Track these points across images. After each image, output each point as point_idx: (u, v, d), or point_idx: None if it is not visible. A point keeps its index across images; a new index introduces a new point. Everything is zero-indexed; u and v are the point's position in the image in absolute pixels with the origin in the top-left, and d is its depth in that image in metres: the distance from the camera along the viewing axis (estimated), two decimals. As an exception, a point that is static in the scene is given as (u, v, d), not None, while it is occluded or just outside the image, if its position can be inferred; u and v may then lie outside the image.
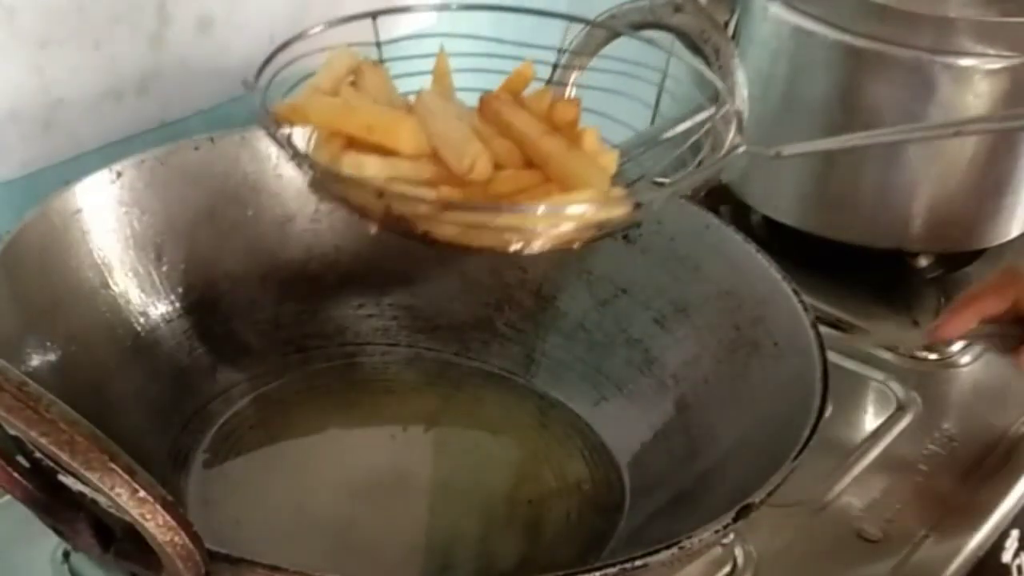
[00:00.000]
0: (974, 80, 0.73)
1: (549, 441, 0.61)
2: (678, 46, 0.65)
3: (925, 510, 0.64)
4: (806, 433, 0.50)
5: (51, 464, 0.41)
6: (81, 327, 0.56)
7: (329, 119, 0.50)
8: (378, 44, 0.56)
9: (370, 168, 0.48)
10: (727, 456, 0.56)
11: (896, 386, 0.73)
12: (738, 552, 0.59)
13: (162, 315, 0.61)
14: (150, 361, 0.59)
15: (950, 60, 0.73)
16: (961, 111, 0.74)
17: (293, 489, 0.57)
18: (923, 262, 0.81)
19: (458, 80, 0.54)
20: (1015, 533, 0.65)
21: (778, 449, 0.49)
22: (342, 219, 0.66)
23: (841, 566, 0.60)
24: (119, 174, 0.59)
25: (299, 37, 0.53)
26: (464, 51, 0.55)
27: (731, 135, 0.54)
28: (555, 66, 0.63)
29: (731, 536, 0.58)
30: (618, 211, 0.49)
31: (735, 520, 0.46)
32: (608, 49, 0.65)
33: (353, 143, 0.49)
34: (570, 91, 0.65)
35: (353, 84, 0.52)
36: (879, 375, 0.73)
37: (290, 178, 0.65)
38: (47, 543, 0.54)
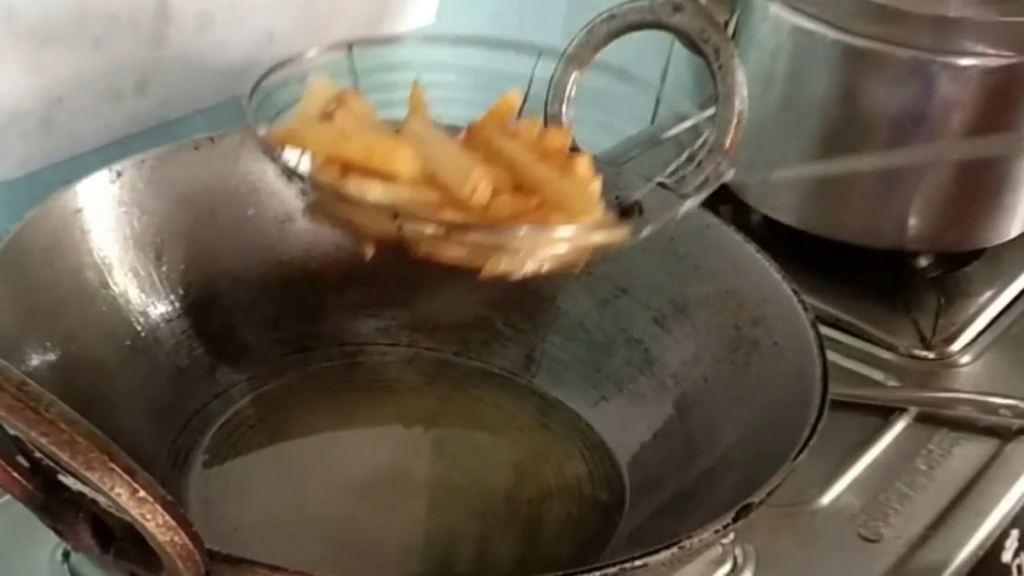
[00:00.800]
0: (974, 80, 0.73)
1: (549, 441, 0.61)
2: (678, 46, 0.65)
3: (925, 510, 0.64)
4: (806, 433, 0.50)
5: (51, 464, 0.41)
6: (81, 327, 0.56)
7: (327, 144, 0.51)
8: (354, 73, 0.57)
9: (373, 192, 0.49)
10: (727, 456, 0.56)
11: (895, 387, 0.73)
12: (738, 552, 0.59)
13: (162, 315, 0.61)
14: (150, 361, 0.59)
15: (950, 60, 0.73)
16: (961, 111, 0.74)
17: (293, 489, 0.57)
18: (923, 262, 0.81)
19: (434, 110, 0.56)
20: (1015, 533, 0.65)
21: (778, 449, 0.49)
22: (342, 219, 0.66)
23: (841, 566, 0.60)
24: (119, 174, 0.59)
25: (287, 63, 0.54)
26: (440, 81, 0.56)
27: (719, 162, 0.54)
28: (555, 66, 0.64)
29: (731, 536, 0.58)
30: (622, 236, 0.51)
31: (735, 520, 0.46)
32: (608, 49, 0.65)
33: (349, 168, 0.50)
34: (570, 90, 0.65)
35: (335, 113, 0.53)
36: (879, 375, 0.73)
37: (290, 178, 0.65)
38: (47, 543, 0.54)
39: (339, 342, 0.65)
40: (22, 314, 0.53)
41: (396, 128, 0.53)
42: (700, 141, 0.59)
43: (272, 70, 0.53)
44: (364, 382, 0.64)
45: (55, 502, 0.42)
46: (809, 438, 0.50)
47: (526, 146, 0.53)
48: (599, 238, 0.51)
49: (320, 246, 0.66)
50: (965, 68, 0.73)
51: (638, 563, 0.43)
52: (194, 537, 0.40)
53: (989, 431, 0.69)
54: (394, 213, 0.48)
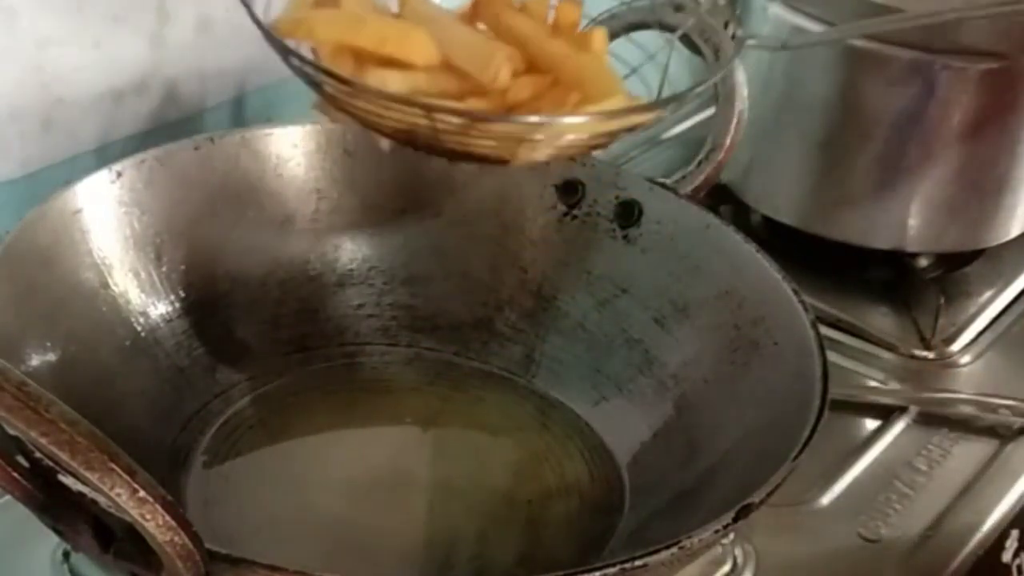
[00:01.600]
0: (974, 80, 0.73)
1: (549, 441, 0.61)
2: (678, 46, 0.65)
3: (925, 510, 0.64)
4: (806, 433, 0.50)
5: (51, 464, 0.41)
6: (81, 327, 0.56)
7: (338, 32, 0.47)
8: None
9: (393, 83, 0.46)
10: (727, 456, 0.56)
11: (895, 387, 0.73)
12: (738, 552, 0.59)
13: (162, 315, 0.61)
14: (150, 361, 0.59)
15: (950, 60, 0.73)
16: (961, 111, 0.74)
17: (293, 489, 0.57)
18: (923, 262, 0.81)
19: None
20: (1015, 533, 0.65)
21: (778, 449, 0.49)
22: (342, 219, 0.66)
23: (841, 566, 0.60)
24: (119, 174, 0.59)
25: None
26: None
27: (732, 30, 0.53)
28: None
29: (731, 536, 0.58)
30: (650, 116, 0.48)
31: (735, 520, 0.46)
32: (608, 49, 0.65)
33: (361, 57, 0.47)
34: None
35: None
36: (879, 375, 0.73)
37: (290, 178, 0.65)
38: (47, 543, 0.54)
39: (339, 342, 0.65)
40: (22, 314, 0.53)
41: (393, 11, 0.50)
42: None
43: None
44: (364, 382, 0.64)
45: (55, 502, 0.42)
46: (809, 438, 0.50)
47: (537, 22, 0.50)
48: (635, 119, 0.48)
49: (320, 246, 0.66)
50: (965, 68, 0.73)
51: (638, 563, 0.43)
52: (194, 537, 0.40)
53: (989, 431, 0.69)
54: (427, 107, 0.44)
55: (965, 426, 0.70)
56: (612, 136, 0.49)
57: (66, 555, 0.54)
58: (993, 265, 0.83)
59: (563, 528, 0.57)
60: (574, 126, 0.47)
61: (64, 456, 0.37)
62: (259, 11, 0.48)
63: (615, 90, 0.48)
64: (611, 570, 0.43)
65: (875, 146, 0.76)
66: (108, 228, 0.59)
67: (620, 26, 0.65)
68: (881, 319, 0.78)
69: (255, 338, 0.64)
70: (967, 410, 0.70)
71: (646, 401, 0.61)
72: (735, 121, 0.65)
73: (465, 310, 0.66)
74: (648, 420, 0.60)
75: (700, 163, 0.65)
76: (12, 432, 0.38)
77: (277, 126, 0.65)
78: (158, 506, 0.38)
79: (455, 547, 0.56)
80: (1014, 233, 0.81)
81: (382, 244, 0.66)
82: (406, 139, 0.47)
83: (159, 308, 0.61)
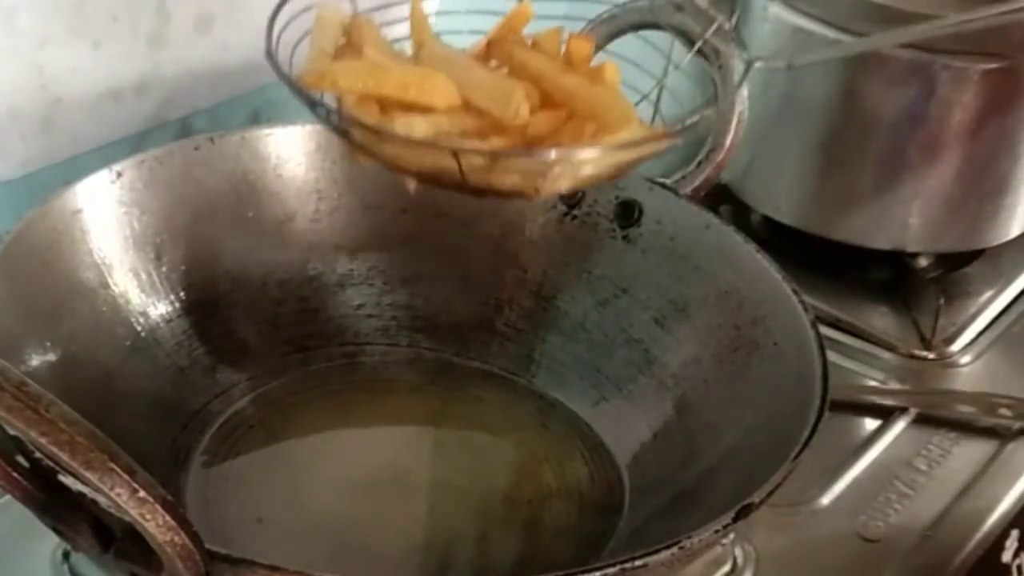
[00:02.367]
0: (974, 80, 0.73)
1: (549, 441, 0.61)
2: (678, 46, 0.65)
3: (925, 510, 0.64)
4: (806, 433, 0.50)
5: (51, 464, 0.41)
6: (81, 327, 0.56)
7: (362, 82, 0.49)
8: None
9: (419, 128, 0.47)
10: (727, 456, 0.56)
11: (895, 387, 0.73)
12: (738, 552, 0.59)
13: (162, 315, 0.61)
14: (150, 361, 0.59)
15: (950, 60, 0.73)
16: (961, 111, 0.74)
17: (293, 489, 0.57)
18: (923, 262, 0.81)
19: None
20: (1015, 533, 0.65)
21: (778, 449, 0.49)
22: (342, 219, 0.66)
23: (841, 566, 0.60)
24: (119, 174, 0.59)
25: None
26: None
27: (739, 53, 0.54)
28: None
29: (731, 536, 0.58)
30: (663, 144, 0.50)
31: (735, 520, 0.46)
32: (608, 49, 0.65)
33: (384, 104, 0.49)
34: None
35: (348, 43, 0.51)
36: (879, 375, 0.73)
37: (290, 178, 0.65)
38: (47, 543, 0.54)
39: (339, 342, 0.65)
40: (22, 314, 0.53)
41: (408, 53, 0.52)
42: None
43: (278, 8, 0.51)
44: (364, 382, 0.64)
45: (55, 502, 0.42)
46: (809, 438, 0.50)
47: (550, 57, 0.51)
48: (653, 147, 0.49)
49: (320, 246, 0.66)
50: (965, 68, 0.73)
51: (638, 563, 0.43)
52: (194, 537, 0.40)
53: (989, 431, 0.69)
54: (454, 151, 0.46)
55: (965, 426, 0.69)
56: (630, 166, 0.50)
57: (66, 555, 0.54)
58: (993, 265, 0.83)
59: (563, 528, 0.57)
60: (596, 158, 0.48)
61: (64, 456, 0.37)
62: (283, 63, 0.50)
63: (630, 118, 0.49)
64: (611, 570, 0.43)
65: (875, 146, 0.76)
66: (108, 228, 0.59)
67: (620, 26, 0.65)
68: (881, 319, 0.78)
69: (255, 338, 0.64)
70: (967, 410, 0.70)
71: (646, 401, 0.61)
72: (735, 121, 0.65)
73: (465, 310, 0.66)
74: (648, 420, 0.60)
75: (700, 163, 0.65)
76: (12, 432, 0.38)
77: (277, 126, 0.65)
78: (158, 506, 0.38)
79: (455, 547, 0.56)
80: (1014, 233, 0.81)
81: (382, 244, 0.66)
82: (432, 179, 0.49)
83: (159, 308, 0.61)
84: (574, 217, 0.66)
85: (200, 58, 0.69)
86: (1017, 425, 0.69)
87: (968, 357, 0.76)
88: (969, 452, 0.68)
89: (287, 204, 0.65)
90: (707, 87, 0.64)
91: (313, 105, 0.49)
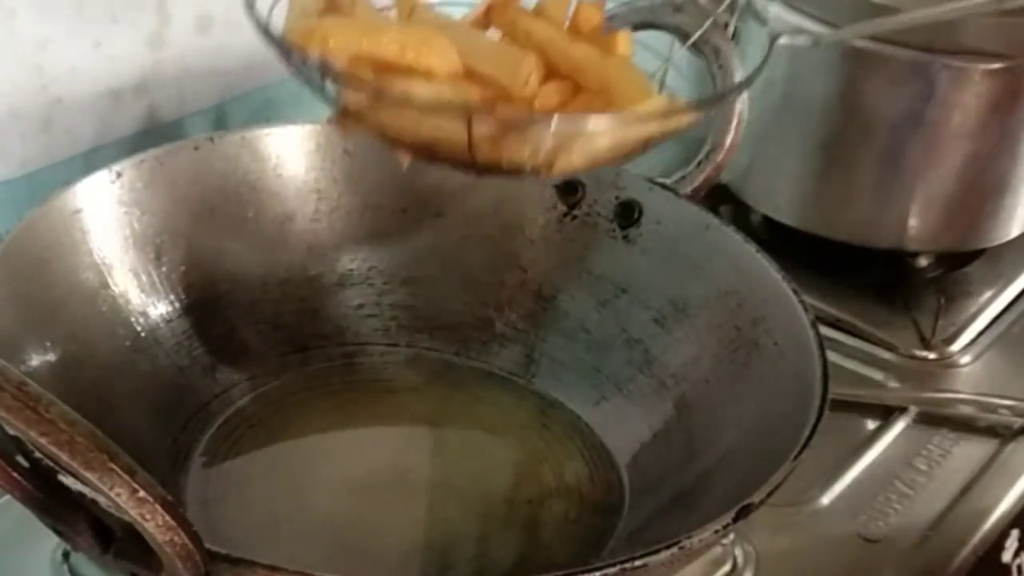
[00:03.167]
0: (974, 80, 0.73)
1: (549, 441, 0.61)
2: (678, 46, 0.65)
3: (925, 510, 0.64)
4: (806, 433, 0.50)
5: (51, 464, 0.41)
6: (81, 327, 0.56)
7: (356, 41, 0.44)
8: None
9: (419, 92, 0.43)
10: (727, 456, 0.56)
11: (895, 387, 0.73)
12: (738, 552, 0.59)
13: (162, 315, 0.61)
14: (150, 361, 0.59)
15: (950, 60, 0.73)
16: (961, 112, 0.74)
17: (293, 489, 0.57)
18: (923, 262, 0.81)
19: None
20: (1015, 533, 0.65)
21: (778, 449, 0.49)
22: (342, 219, 0.66)
23: (841, 566, 0.60)
24: (119, 174, 0.59)
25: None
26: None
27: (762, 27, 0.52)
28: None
29: (731, 536, 0.58)
30: (686, 120, 0.46)
31: (735, 520, 0.46)
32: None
33: (378, 68, 0.44)
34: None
35: (330, 7, 0.47)
36: (879, 375, 0.73)
37: (290, 178, 0.65)
38: (47, 543, 0.54)
39: (339, 342, 0.65)
40: (22, 314, 0.53)
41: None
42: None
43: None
44: (364, 382, 0.64)
45: (55, 502, 0.42)
46: (809, 438, 0.50)
47: (556, 26, 0.47)
48: (675, 123, 0.45)
49: (320, 246, 0.66)
50: (965, 68, 0.73)
51: (638, 563, 0.43)
52: (194, 537, 0.40)
53: (989, 431, 0.69)
54: (466, 111, 0.42)
55: (965, 426, 0.70)
56: (648, 144, 0.46)
57: (66, 555, 0.54)
58: (993, 265, 0.83)
59: (563, 528, 0.57)
60: (614, 128, 0.44)
61: (64, 456, 0.37)
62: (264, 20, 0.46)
63: (647, 93, 0.46)
64: (611, 570, 0.43)
65: (875, 146, 0.76)
66: (108, 228, 0.59)
67: (620, 27, 0.65)
68: (881, 319, 0.78)
69: (255, 338, 0.64)
70: (967, 410, 0.70)
71: (646, 401, 0.61)
72: (735, 121, 0.65)
73: (465, 310, 0.66)
74: (648, 420, 0.60)
75: (700, 163, 0.65)
76: (12, 432, 0.38)
77: (277, 126, 0.65)
78: (158, 506, 0.38)
79: (455, 547, 0.56)
80: (1014, 233, 0.81)
81: (382, 244, 0.66)
82: (428, 152, 0.45)
83: (159, 308, 0.61)
84: (574, 217, 0.66)
85: (200, 58, 0.69)
86: (1017, 425, 0.69)
87: (968, 357, 0.76)
88: (969, 452, 0.68)
89: (287, 204, 0.65)
90: (706, 87, 0.64)
91: (298, 63, 0.44)
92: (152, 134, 0.68)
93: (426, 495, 0.59)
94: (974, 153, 0.76)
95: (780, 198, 0.80)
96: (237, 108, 0.72)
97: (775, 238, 0.78)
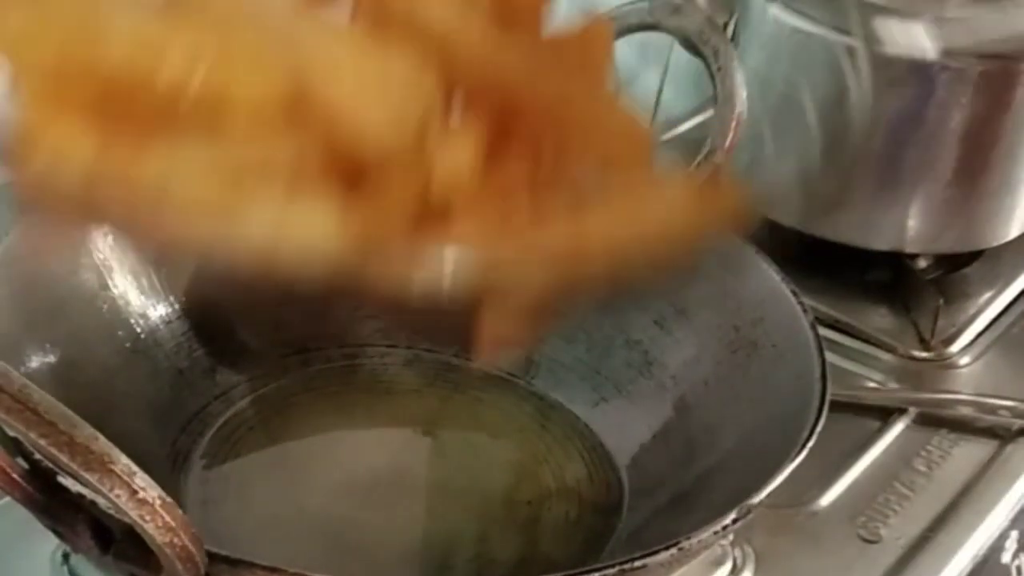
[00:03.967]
0: (973, 80, 0.73)
1: (548, 442, 0.61)
2: (677, 47, 0.65)
3: (925, 511, 0.64)
4: (806, 433, 0.50)
5: (50, 466, 0.41)
6: (81, 328, 0.56)
7: (55, 39, 0.25)
8: None
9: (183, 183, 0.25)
10: (727, 456, 0.56)
11: (894, 387, 0.73)
12: (738, 552, 0.59)
13: (162, 316, 0.61)
14: (149, 362, 0.59)
15: (949, 60, 0.73)
16: (960, 112, 0.74)
17: (293, 490, 0.57)
18: (922, 263, 0.81)
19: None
20: (1015, 533, 0.65)
21: (778, 449, 0.49)
22: (342, 220, 0.66)
23: (841, 566, 0.60)
24: (119, 175, 0.59)
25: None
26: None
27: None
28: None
29: (731, 536, 0.58)
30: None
31: (735, 520, 0.46)
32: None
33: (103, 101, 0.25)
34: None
35: None
36: (878, 376, 0.73)
37: (289, 179, 0.65)
38: (47, 544, 0.54)
39: (339, 343, 0.65)
40: (22, 315, 0.53)
41: None
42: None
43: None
44: (364, 383, 0.64)
45: (55, 504, 0.42)
46: (809, 438, 0.50)
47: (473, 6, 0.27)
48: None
49: (320, 247, 0.66)
50: (965, 68, 0.73)
51: (637, 564, 0.43)
52: (193, 538, 0.40)
53: (989, 432, 0.69)
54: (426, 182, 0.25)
55: (965, 427, 0.69)
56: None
57: (66, 556, 0.54)
58: (993, 266, 0.83)
59: (562, 529, 0.57)
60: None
61: (63, 458, 0.37)
62: None
63: (643, 142, 0.30)
64: (611, 571, 0.43)
65: (875, 146, 0.76)
66: (108, 229, 0.59)
67: (619, 28, 0.65)
68: (880, 320, 0.78)
69: (255, 339, 0.64)
70: (966, 411, 0.70)
71: (645, 402, 0.61)
72: (734, 122, 0.64)
73: (465, 311, 0.66)
74: (648, 421, 0.60)
75: (699, 164, 0.65)
76: (12, 433, 0.38)
77: (277, 127, 0.65)
78: (157, 507, 0.38)
79: (454, 548, 0.56)
80: (1014, 234, 0.81)
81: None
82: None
83: (159, 310, 0.61)
84: (573, 218, 0.66)
85: (200, 60, 0.69)
86: (1017, 425, 0.69)
87: (967, 358, 0.76)
88: (969, 453, 0.68)
89: (287, 205, 0.65)
90: (706, 88, 0.64)
91: None
92: (152, 135, 0.68)
93: (426, 496, 0.59)
94: (973, 153, 0.76)
95: (780, 198, 0.80)
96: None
97: (775, 239, 0.77)
